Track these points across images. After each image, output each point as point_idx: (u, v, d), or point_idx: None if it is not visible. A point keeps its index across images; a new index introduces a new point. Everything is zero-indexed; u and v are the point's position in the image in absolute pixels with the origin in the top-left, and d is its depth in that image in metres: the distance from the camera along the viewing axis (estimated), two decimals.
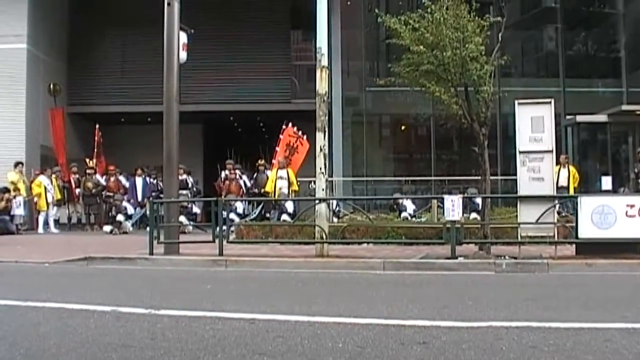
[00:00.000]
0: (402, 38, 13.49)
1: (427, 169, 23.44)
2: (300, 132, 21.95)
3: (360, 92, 23.74)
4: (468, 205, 16.77)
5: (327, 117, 14.10)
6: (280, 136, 22.08)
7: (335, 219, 18.21)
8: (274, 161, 21.85)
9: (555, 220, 13.11)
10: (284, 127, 22.17)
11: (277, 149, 21.96)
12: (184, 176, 21.15)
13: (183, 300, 8.81)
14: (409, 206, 20.08)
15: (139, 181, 23.38)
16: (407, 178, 23.22)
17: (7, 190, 21.64)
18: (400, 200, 20.20)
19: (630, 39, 23.71)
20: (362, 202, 20.16)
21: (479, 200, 15.99)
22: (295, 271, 12.25)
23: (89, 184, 23.12)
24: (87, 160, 23.69)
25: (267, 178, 21.51)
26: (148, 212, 16.52)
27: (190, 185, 22.54)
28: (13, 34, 23.34)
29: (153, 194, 22.22)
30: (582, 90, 24.00)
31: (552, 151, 13.06)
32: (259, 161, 22.58)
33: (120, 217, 21.72)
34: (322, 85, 13.91)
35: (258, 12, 24.85)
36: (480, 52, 13.09)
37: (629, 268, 11.65)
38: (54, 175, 22.96)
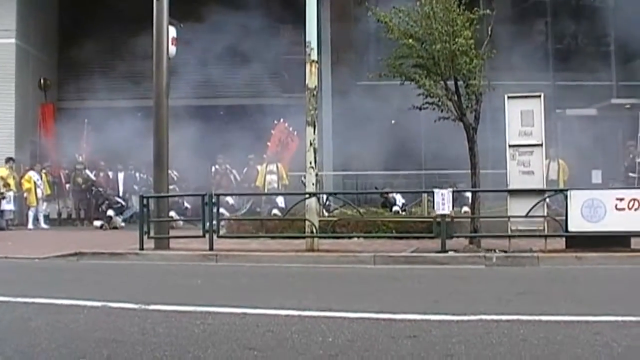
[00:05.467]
0: (391, 32, 13.49)
1: (417, 162, 23.46)
2: (291, 129, 21.99)
3: (350, 86, 23.69)
4: (458, 199, 16.77)
5: (316, 111, 14.11)
6: (272, 131, 22.10)
7: (325, 213, 18.20)
8: (264, 156, 21.86)
9: (545, 214, 13.14)
10: (275, 122, 22.19)
11: (269, 143, 21.96)
12: (169, 171, 21.03)
13: (173, 295, 8.81)
14: (399, 199, 20.13)
15: (120, 176, 23.40)
16: (397, 172, 23.23)
17: None
18: (391, 194, 20.23)
19: (620, 32, 23.73)
20: (353, 196, 20.16)
21: (469, 194, 16.01)
22: (286, 265, 12.26)
23: (79, 179, 23.07)
24: (77, 155, 23.61)
25: (257, 172, 21.52)
26: (137, 208, 16.52)
27: (175, 179, 22.42)
28: (2, 29, 23.23)
29: (143, 189, 22.14)
30: (571, 83, 24.00)
31: (541, 145, 13.09)
32: (249, 155, 22.56)
33: (110, 212, 21.68)
34: (311, 80, 13.92)
35: (247, 6, 24.77)
36: (470, 46, 13.09)
37: (618, 261, 11.69)
38: (43, 171, 22.92)
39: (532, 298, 8.28)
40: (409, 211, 19.63)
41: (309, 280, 10.67)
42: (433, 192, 13.32)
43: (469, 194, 15.27)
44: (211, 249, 13.60)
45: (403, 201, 20.19)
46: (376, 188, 21.54)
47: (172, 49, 15.06)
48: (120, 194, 22.92)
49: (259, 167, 21.69)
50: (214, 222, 14.41)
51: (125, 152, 22.24)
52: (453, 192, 13.43)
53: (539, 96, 13.28)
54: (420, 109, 13.87)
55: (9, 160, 22.30)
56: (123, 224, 21.88)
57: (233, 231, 16.78)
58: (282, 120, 22.15)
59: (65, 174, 23.89)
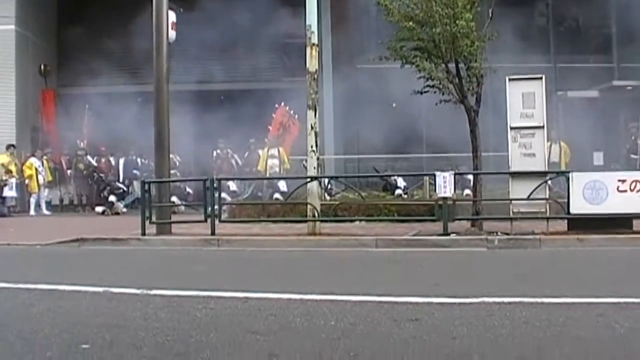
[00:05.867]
0: (391, 14, 13.44)
1: (418, 146, 23.41)
2: (292, 112, 21.97)
3: (350, 70, 23.64)
4: (460, 182, 16.76)
5: (317, 95, 14.08)
6: (273, 115, 22.07)
7: (327, 197, 18.19)
8: (266, 140, 21.84)
9: (547, 196, 13.13)
10: (276, 105, 22.17)
11: (270, 127, 21.94)
12: (170, 155, 20.95)
13: (175, 280, 8.82)
14: (400, 182, 20.12)
15: (120, 162, 23.44)
16: (399, 155, 23.21)
17: None
18: (392, 178, 20.22)
19: (620, 14, 23.64)
20: (354, 180, 20.14)
21: (471, 177, 15.98)
22: (288, 249, 12.26)
23: (80, 165, 23.09)
24: (78, 141, 23.62)
25: (259, 157, 21.51)
26: (139, 193, 16.53)
27: (177, 164, 22.43)
28: (1, 15, 23.16)
29: (145, 174, 22.14)
30: (573, 65, 23.94)
31: (543, 127, 13.07)
32: (250, 140, 22.53)
33: (112, 198, 21.69)
34: (312, 63, 13.89)
35: None
36: (471, 28, 13.04)
37: (620, 243, 11.69)
38: (45, 157, 22.92)
39: (534, 280, 8.28)
40: (410, 194, 19.62)
41: (311, 264, 10.69)
42: (435, 175, 13.29)
43: (470, 177, 15.25)
44: (213, 233, 13.60)
45: (404, 184, 20.17)
46: (375, 169, 21.50)
47: (172, 34, 15.01)
48: (120, 180, 22.93)
49: (260, 152, 21.67)
50: (216, 206, 14.41)
51: (126, 137, 22.24)
52: (455, 174, 13.40)
53: (540, 78, 13.26)
54: (421, 93, 13.84)
55: (9, 146, 22.31)
56: (125, 210, 21.89)
57: (235, 216, 16.77)
58: (282, 104, 22.11)
59: (67, 160, 23.91)
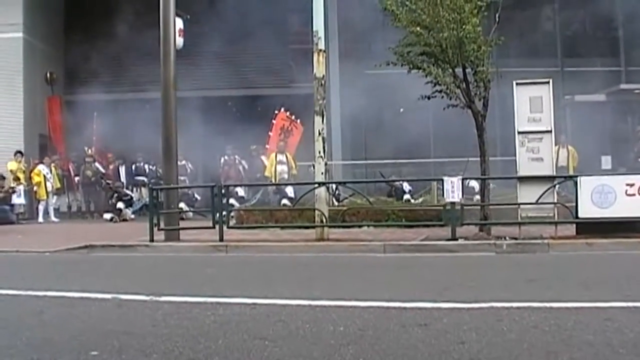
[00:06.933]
0: (398, 20, 13.44)
1: (426, 151, 23.40)
2: (293, 116, 22.04)
3: (358, 75, 23.65)
4: (468, 187, 16.72)
5: (325, 101, 14.09)
6: (273, 121, 22.08)
7: (335, 203, 18.21)
8: (267, 146, 21.87)
9: (555, 201, 13.10)
10: (276, 111, 22.21)
11: (270, 134, 21.94)
12: (183, 162, 21.03)
13: (184, 286, 8.82)
14: (406, 187, 20.14)
15: (122, 169, 23.58)
16: (406, 160, 23.20)
17: (2, 177, 21.66)
18: (398, 183, 20.23)
19: (627, 17, 23.62)
20: (362, 185, 20.13)
21: (478, 182, 15.96)
22: (296, 255, 12.28)
23: (89, 172, 23.15)
24: (86, 148, 23.68)
25: (262, 163, 21.56)
26: (147, 200, 16.57)
27: (189, 171, 22.51)
28: (8, 23, 23.25)
29: (152, 180, 22.19)
30: (580, 69, 23.91)
31: (551, 131, 13.04)
32: (252, 146, 22.58)
33: (120, 205, 21.72)
34: (319, 69, 13.91)
35: None
36: (478, 33, 13.04)
37: (629, 247, 11.64)
38: (53, 164, 22.97)
39: (542, 285, 8.26)
40: (416, 199, 19.63)
41: (319, 270, 10.68)
42: (442, 180, 13.28)
43: (477, 182, 15.24)
44: (221, 239, 13.61)
45: (410, 188, 20.20)
46: (382, 175, 21.52)
47: (179, 41, 15.07)
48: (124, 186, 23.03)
49: (263, 158, 21.72)
50: (224, 213, 14.42)
51: (134, 144, 22.30)
52: (462, 179, 13.38)
53: (548, 82, 13.23)
54: (428, 98, 13.83)
55: (17, 153, 22.39)
56: (133, 216, 21.95)
57: (243, 222, 16.78)
58: (282, 109, 22.15)
59: (75, 167, 23.98)
